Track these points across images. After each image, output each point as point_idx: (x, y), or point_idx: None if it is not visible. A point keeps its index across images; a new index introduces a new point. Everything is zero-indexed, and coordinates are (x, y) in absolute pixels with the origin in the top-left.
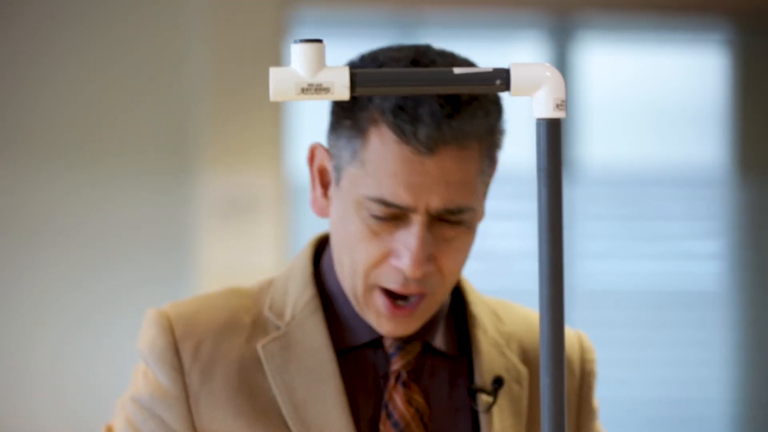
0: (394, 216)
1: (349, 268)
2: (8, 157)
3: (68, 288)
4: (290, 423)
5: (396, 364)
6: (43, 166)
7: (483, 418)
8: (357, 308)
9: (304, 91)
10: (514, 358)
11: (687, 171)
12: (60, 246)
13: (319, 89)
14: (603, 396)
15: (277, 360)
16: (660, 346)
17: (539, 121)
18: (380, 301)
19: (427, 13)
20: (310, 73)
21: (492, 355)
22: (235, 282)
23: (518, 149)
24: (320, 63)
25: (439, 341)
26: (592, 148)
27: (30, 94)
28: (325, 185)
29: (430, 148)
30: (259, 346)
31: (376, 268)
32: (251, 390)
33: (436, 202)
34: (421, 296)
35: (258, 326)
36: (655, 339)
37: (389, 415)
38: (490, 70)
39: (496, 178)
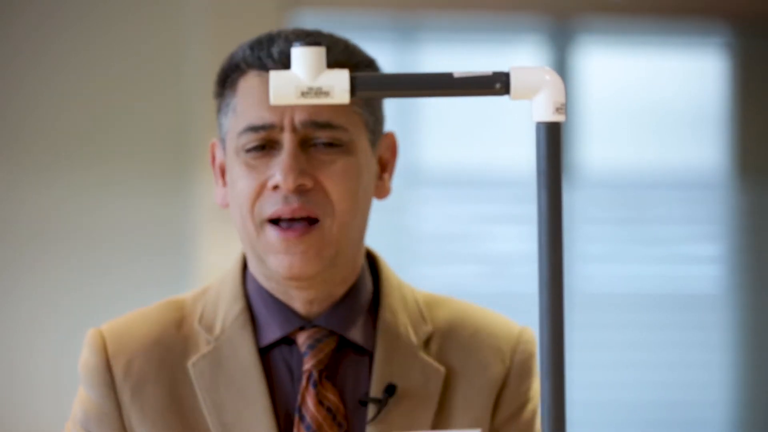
0: (267, 143)
1: (238, 215)
2: (7, 158)
3: (68, 291)
4: None
5: (307, 364)
6: (42, 168)
7: (370, 428)
8: (257, 263)
9: (303, 94)
10: (430, 359)
11: (686, 174)
12: (59, 249)
13: (319, 93)
14: (603, 398)
15: (206, 378)
16: (659, 348)
17: (539, 125)
18: (271, 233)
19: (427, 17)
20: (310, 77)
21: (394, 361)
22: None
23: (518, 152)
24: (320, 66)
25: (355, 334)
26: (592, 151)
27: (30, 94)
28: (224, 176)
29: (287, 67)
30: (189, 364)
31: (258, 199)
32: (181, 409)
33: (301, 115)
34: (310, 221)
35: (189, 341)
36: (655, 342)
37: (302, 418)
38: (490, 73)
39: (497, 180)
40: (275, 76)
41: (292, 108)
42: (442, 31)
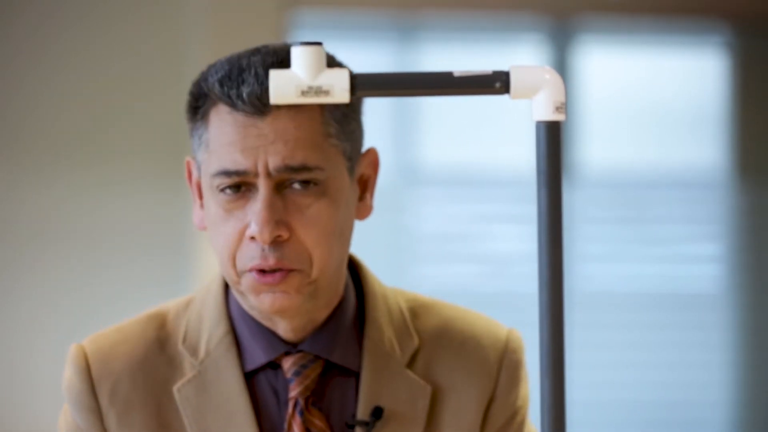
0: (242, 186)
1: (220, 260)
2: (7, 158)
3: (67, 291)
4: None
5: (293, 391)
6: (42, 168)
7: None
8: (242, 300)
9: (304, 93)
10: (416, 376)
11: (686, 174)
12: (59, 249)
13: (319, 92)
14: (603, 398)
15: (192, 404)
16: (659, 348)
17: (539, 124)
18: (251, 277)
19: (427, 16)
20: (310, 76)
21: (381, 381)
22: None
23: (518, 152)
24: (320, 65)
25: (340, 356)
26: (592, 150)
27: (29, 94)
28: (202, 197)
29: (258, 108)
30: (174, 389)
31: (238, 248)
32: None
33: (275, 161)
34: (288, 270)
35: (173, 363)
36: (655, 341)
37: None
38: (490, 72)
39: (497, 180)
40: (275, 75)
41: (266, 152)
42: (442, 31)
